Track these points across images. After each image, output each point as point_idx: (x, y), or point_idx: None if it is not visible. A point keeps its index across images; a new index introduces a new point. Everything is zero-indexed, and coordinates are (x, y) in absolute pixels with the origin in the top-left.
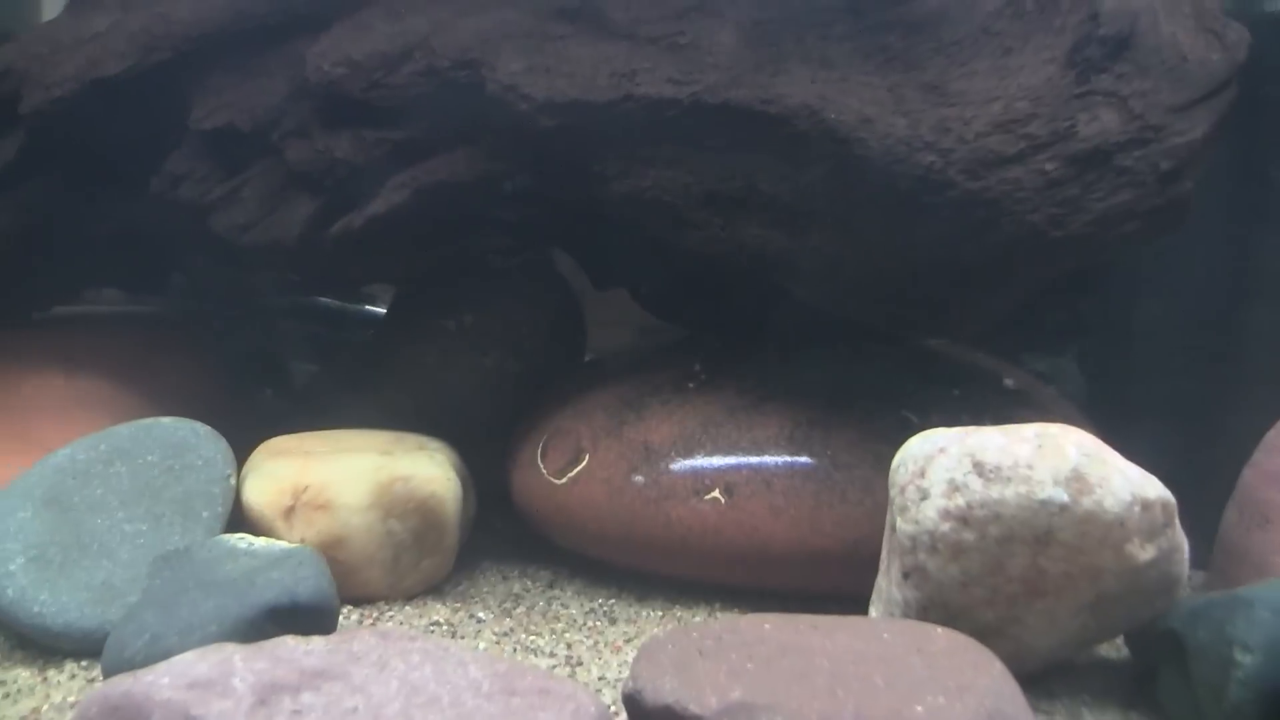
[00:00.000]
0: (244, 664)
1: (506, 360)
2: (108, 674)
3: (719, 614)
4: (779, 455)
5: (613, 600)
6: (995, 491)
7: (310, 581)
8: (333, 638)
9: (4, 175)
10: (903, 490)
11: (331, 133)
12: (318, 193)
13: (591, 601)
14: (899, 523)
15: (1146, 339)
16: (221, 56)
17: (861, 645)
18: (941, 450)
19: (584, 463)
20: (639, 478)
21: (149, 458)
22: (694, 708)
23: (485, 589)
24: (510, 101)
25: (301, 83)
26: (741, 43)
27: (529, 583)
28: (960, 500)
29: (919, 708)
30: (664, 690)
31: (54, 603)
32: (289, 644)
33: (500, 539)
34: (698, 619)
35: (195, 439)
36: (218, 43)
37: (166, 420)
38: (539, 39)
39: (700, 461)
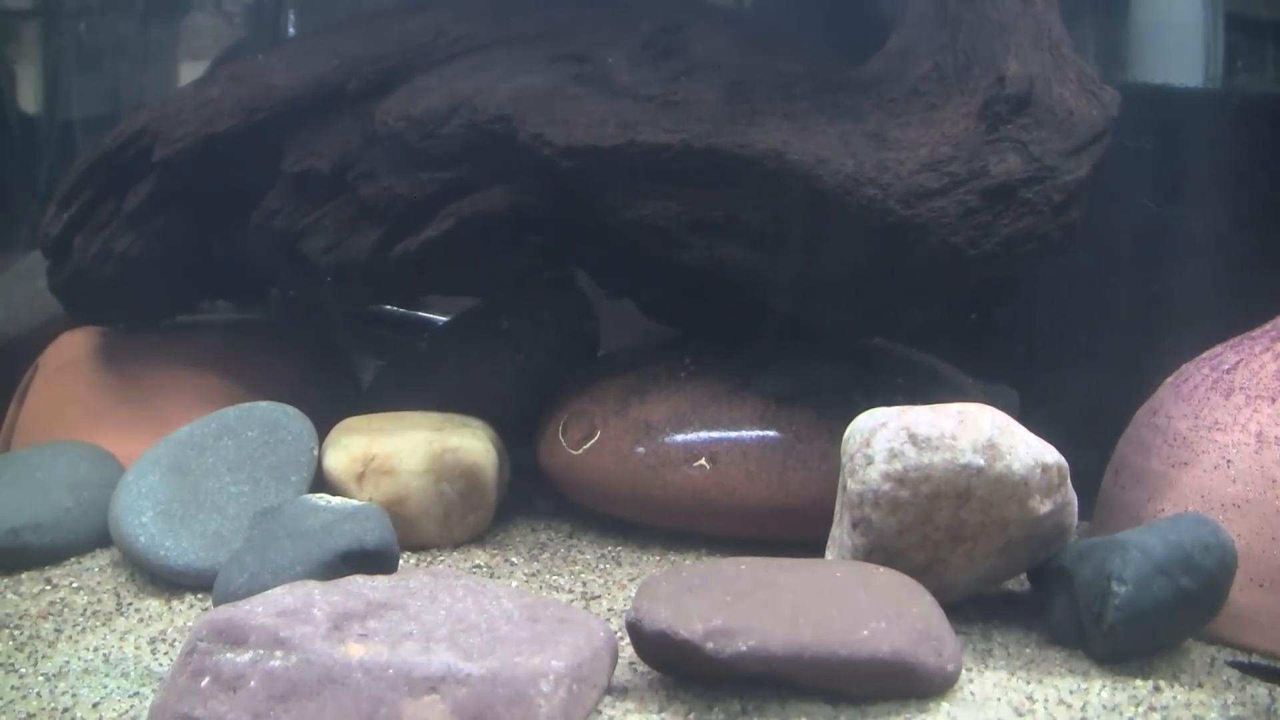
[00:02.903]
0: (321, 597)
1: (536, 356)
2: (216, 604)
3: (705, 558)
4: (753, 431)
5: (620, 548)
6: (926, 458)
7: (376, 532)
8: (394, 577)
9: (141, 212)
10: (852, 457)
11: (394, 174)
12: (383, 222)
13: (603, 549)
14: (849, 483)
15: (1053, 342)
16: (308, 115)
17: (819, 582)
18: (883, 424)
19: (596, 437)
20: (641, 449)
21: (250, 434)
22: (684, 632)
23: (518, 539)
24: (536, 148)
25: (371, 134)
26: (723, 100)
27: (553, 534)
28: (898, 465)
29: (865, 631)
30: (659, 618)
31: (176, 548)
32: (358, 581)
33: (530, 499)
34: (688, 562)
35: (286, 418)
36: (305, 105)
37: (264, 404)
38: (560, 98)
39: (690, 436)
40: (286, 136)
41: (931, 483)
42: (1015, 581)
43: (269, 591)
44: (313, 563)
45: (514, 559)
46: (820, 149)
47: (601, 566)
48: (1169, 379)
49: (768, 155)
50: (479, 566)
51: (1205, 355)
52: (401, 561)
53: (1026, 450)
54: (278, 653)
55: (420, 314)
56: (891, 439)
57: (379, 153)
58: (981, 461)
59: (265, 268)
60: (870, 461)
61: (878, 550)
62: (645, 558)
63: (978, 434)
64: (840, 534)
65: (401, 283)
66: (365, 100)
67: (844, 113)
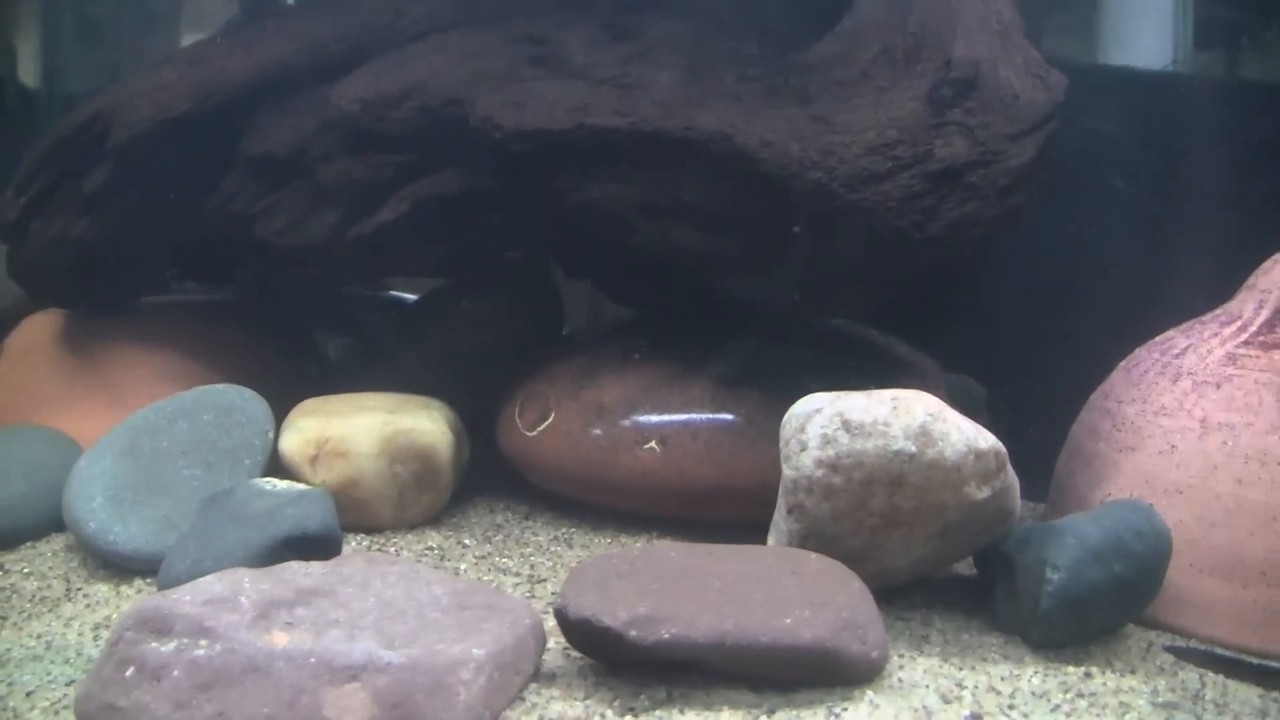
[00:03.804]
0: (251, 584)
1: (497, 337)
2: (161, 589)
3: (656, 540)
4: (703, 413)
5: (573, 529)
6: (859, 444)
7: (317, 517)
8: (330, 562)
9: (97, 196)
10: (787, 443)
11: (350, 157)
12: (339, 205)
13: (557, 530)
14: (785, 469)
15: (1015, 322)
16: (266, 98)
17: (747, 569)
18: (818, 410)
19: (551, 419)
20: (594, 431)
21: (205, 417)
22: (607, 619)
23: (474, 519)
24: (487, 131)
25: (326, 118)
26: (675, 82)
27: (509, 514)
28: (831, 451)
29: (788, 619)
30: (584, 605)
31: (125, 533)
32: (293, 567)
33: (491, 479)
34: (638, 544)
35: (242, 401)
36: (262, 88)
37: (220, 386)
38: (513, 80)
39: (641, 418)
40: (244, 120)
41: (864, 469)
42: (966, 564)
43: (199, 580)
44: (254, 548)
45: (467, 541)
46: (766, 132)
47: (553, 549)
48: (1122, 363)
49: (714, 139)
50: (431, 548)
51: (1157, 339)
52: (354, 544)
53: (960, 436)
54: (202, 642)
55: (389, 293)
56: (826, 425)
57: (334, 136)
58: (914, 448)
59: (228, 249)
60: (804, 448)
61: (812, 536)
62: (596, 540)
63: (910, 420)
64: (779, 519)
65: (358, 265)
66: (323, 83)
67: (793, 95)
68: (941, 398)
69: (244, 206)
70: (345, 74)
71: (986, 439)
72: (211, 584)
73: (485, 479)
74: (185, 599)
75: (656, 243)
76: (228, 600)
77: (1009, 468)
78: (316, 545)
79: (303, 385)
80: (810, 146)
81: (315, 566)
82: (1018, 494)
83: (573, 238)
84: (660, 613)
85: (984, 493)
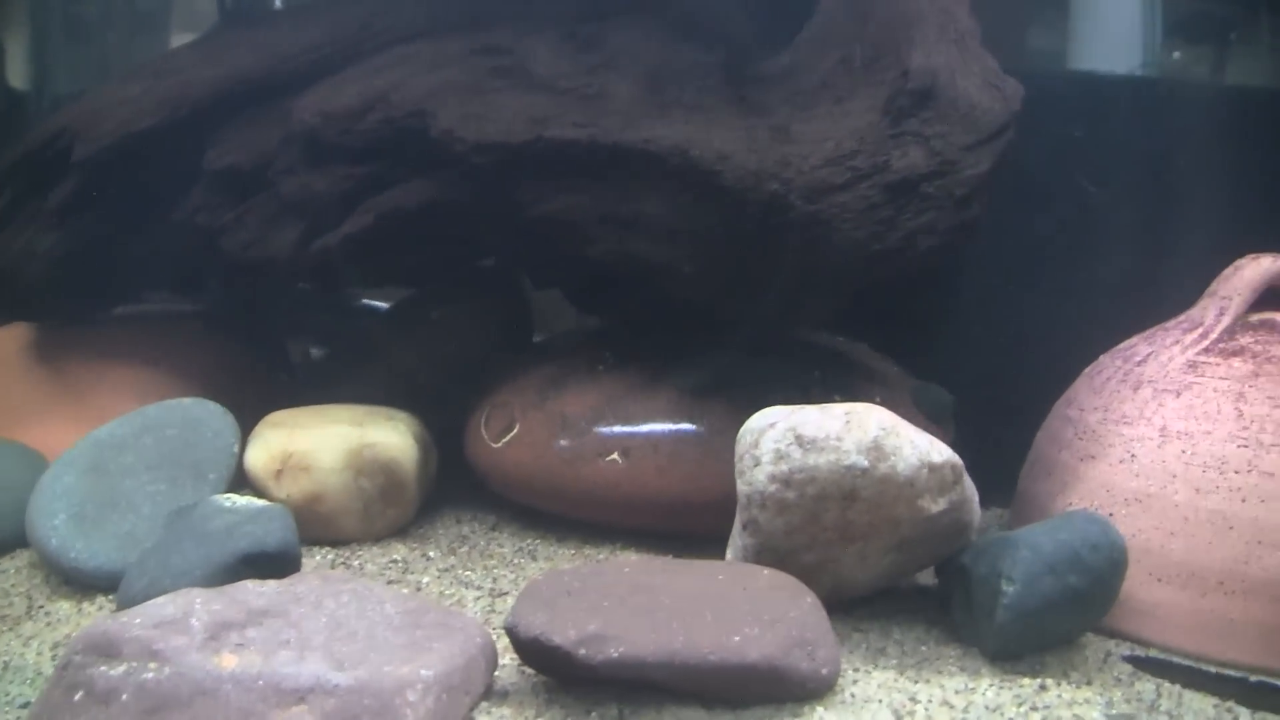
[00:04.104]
0: (202, 605)
1: (465, 346)
2: (120, 608)
3: (620, 552)
4: (666, 424)
5: (538, 541)
6: (811, 459)
7: (277, 534)
8: (285, 581)
9: (63, 211)
10: (742, 458)
11: (313, 170)
12: (303, 217)
13: (522, 541)
14: (739, 484)
15: (982, 329)
16: (231, 111)
17: (699, 585)
18: (772, 425)
19: (515, 430)
20: (557, 443)
21: (170, 431)
22: (556, 638)
23: (441, 531)
24: (449, 144)
25: (289, 131)
26: (637, 92)
27: (476, 525)
28: (784, 466)
29: (736, 637)
30: (534, 624)
31: (87, 549)
32: (247, 587)
33: (460, 489)
34: (602, 555)
35: (208, 415)
36: (228, 101)
37: (186, 400)
38: (475, 92)
39: (604, 430)
40: (209, 132)
41: (817, 484)
42: (929, 574)
43: (151, 601)
44: (212, 566)
45: (432, 553)
46: (724, 144)
47: (517, 561)
48: (1087, 370)
49: (672, 152)
50: (396, 561)
51: (1121, 346)
52: (319, 557)
53: (913, 451)
54: (151, 665)
55: (360, 301)
56: (779, 440)
57: (298, 149)
58: (866, 463)
59: (197, 260)
60: (758, 463)
61: (767, 551)
62: (561, 552)
63: (863, 435)
64: (735, 533)
65: (323, 277)
66: (288, 95)
67: (753, 106)
68: (906, 406)
69: (209, 220)
70: (309, 86)
71: (941, 452)
72: (163, 606)
73: (455, 489)
74: (135, 622)
75: (616, 254)
76: (178, 622)
77: (966, 480)
78: (275, 562)
79: (274, 396)
80: (768, 158)
81: (270, 585)
82: (976, 506)
83: (536, 248)
84: (609, 631)
85: (940, 505)
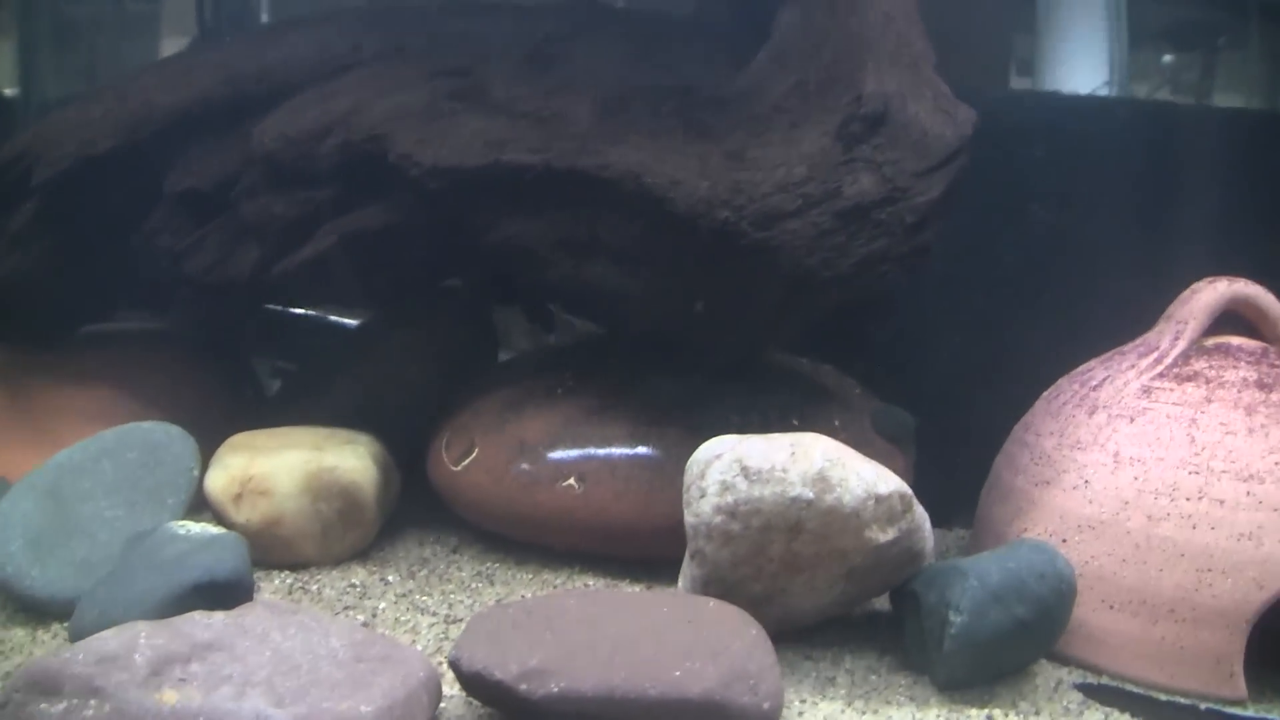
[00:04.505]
0: (146, 640)
1: (428, 368)
2: (73, 639)
3: (577, 576)
4: (623, 449)
5: (497, 565)
6: (756, 491)
7: (229, 563)
8: (234, 612)
9: (23, 234)
10: (689, 488)
11: (273, 193)
12: (264, 240)
13: (481, 565)
14: (686, 515)
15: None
16: (192, 134)
17: (644, 617)
18: (718, 456)
19: (474, 454)
20: (515, 468)
21: (129, 455)
22: (498, 673)
23: (401, 553)
24: (405, 168)
25: (250, 154)
26: (595, 115)
27: (438, 547)
28: (730, 498)
29: (677, 671)
30: (477, 658)
31: (42, 577)
32: (194, 619)
33: (424, 509)
34: (559, 580)
35: (167, 439)
36: (189, 123)
37: (146, 424)
38: (433, 116)
39: (561, 455)
40: (171, 155)
41: (762, 516)
42: (885, 599)
43: (96, 635)
44: (163, 596)
45: (391, 577)
46: (676, 170)
47: (474, 585)
48: (1045, 393)
49: (625, 177)
50: (354, 585)
51: (1079, 369)
52: (278, 581)
53: (859, 482)
54: (92, 702)
55: (330, 318)
56: (724, 471)
57: (258, 172)
58: (811, 494)
59: (160, 280)
60: (704, 494)
61: (714, 581)
62: (519, 576)
63: (808, 466)
64: (685, 563)
65: (284, 299)
66: (248, 118)
67: (706, 131)
68: (866, 429)
69: (171, 242)
70: (270, 108)
71: (888, 483)
72: (106, 641)
73: (419, 509)
74: (78, 658)
75: (571, 279)
76: (120, 657)
77: (916, 508)
78: (226, 592)
79: (240, 416)
80: (720, 185)
81: (217, 617)
82: (927, 533)
83: (494, 272)
84: (551, 665)
85: (888, 535)
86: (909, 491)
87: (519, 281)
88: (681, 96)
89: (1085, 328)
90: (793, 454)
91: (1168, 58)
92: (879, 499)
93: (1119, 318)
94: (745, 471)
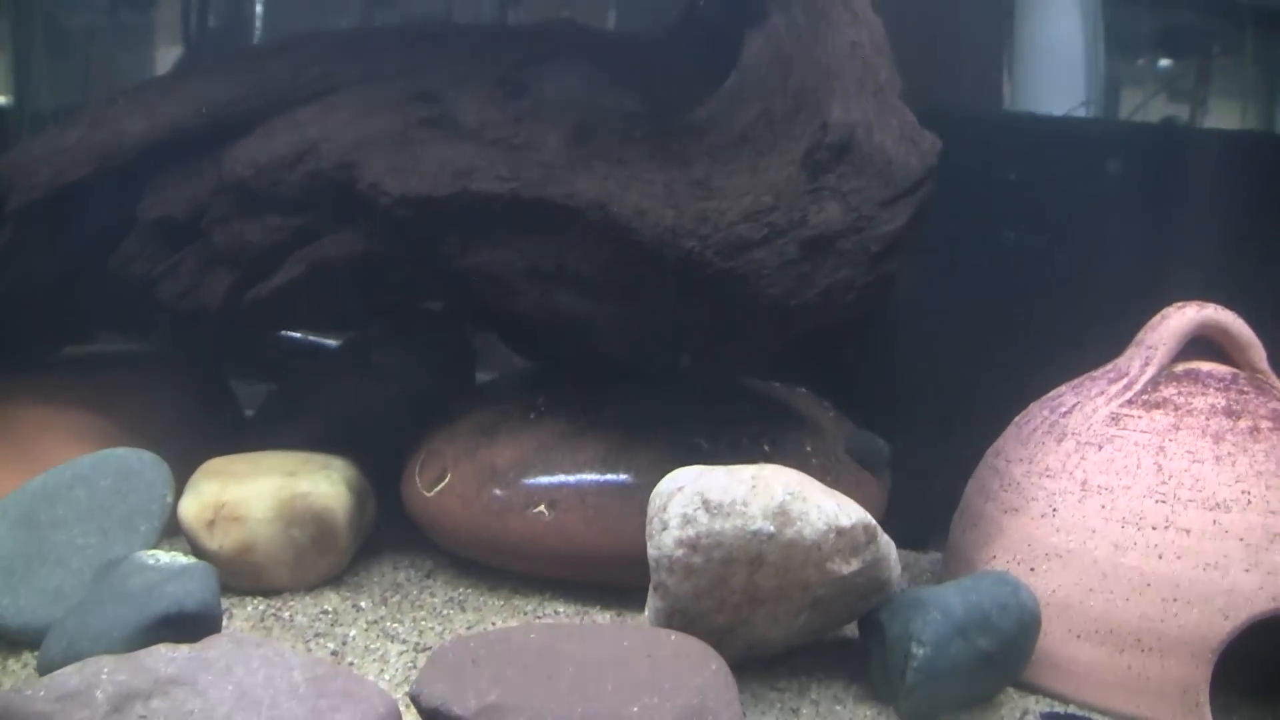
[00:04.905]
0: (109, 675)
1: (406, 391)
2: (41, 672)
3: (548, 603)
4: (593, 475)
5: (469, 590)
6: (718, 524)
7: (196, 595)
8: (199, 645)
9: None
10: (651, 520)
11: (245, 220)
12: (236, 267)
13: (454, 590)
14: (649, 547)
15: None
16: (165, 161)
17: (603, 651)
18: (680, 488)
19: (447, 479)
20: (487, 494)
21: (103, 482)
22: (457, 709)
23: (376, 578)
24: (374, 196)
25: (222, 182)
26: (563, 142)
27: (412, 572)
28: (691, 531)
29: (635, 707)
30: (435, 694)
31: (13, 605)
32: (158, 653)
33: (401, 532)
34: (530, 607)
35: (141, 465)
36: (160, 151)
37: (120, 450)
38: (403, 143)
39: (532, 481)
40: (144, 181)
41: (724, 549)
42: (855, 626)
43: (59, 671)
44: (131, 628)
45: (363, 603)
46: (642, 200)
47: (445, 612)
48: (1016, 418)
49: (591, 207)
50: (327, 611)
51: (1050, 395)
52: (250, 608)
53: (819, 515)
54: None
55: (310, 339)
56: (686, 504)
57: (230, 199)
58: (772, 528)
59: (137, 305)
60: (666, 527)
61: (677, 613)
62: (490, 603)
63: (769, 500)
64: (649, 594)
65: (257, 324)
66: (221, 144)
67: (674, 159)
68: (839, 455)
69: (145, 269)
70: (243, 134)
71: (850, 515)
72: (69, 677)
73: (396, 531)
74: (39, 695)
75: (541, 307)
76: (82, 694)
77: (881, 538)
78: (194, 623)
79: (218, 439)
80: (685, 214)
81: (181, 651)
82: (893, 562)
83: (466, 298)
84: (509, 701)
85: (852, 566)
86: (873, 522)
87: (491, 308)
88: (650, 123)
89: (1063, 350)
90: (754, 487)
91: (1164, 62)
92: (840, 531)
93: (1096, 340)
94: (706, 505)
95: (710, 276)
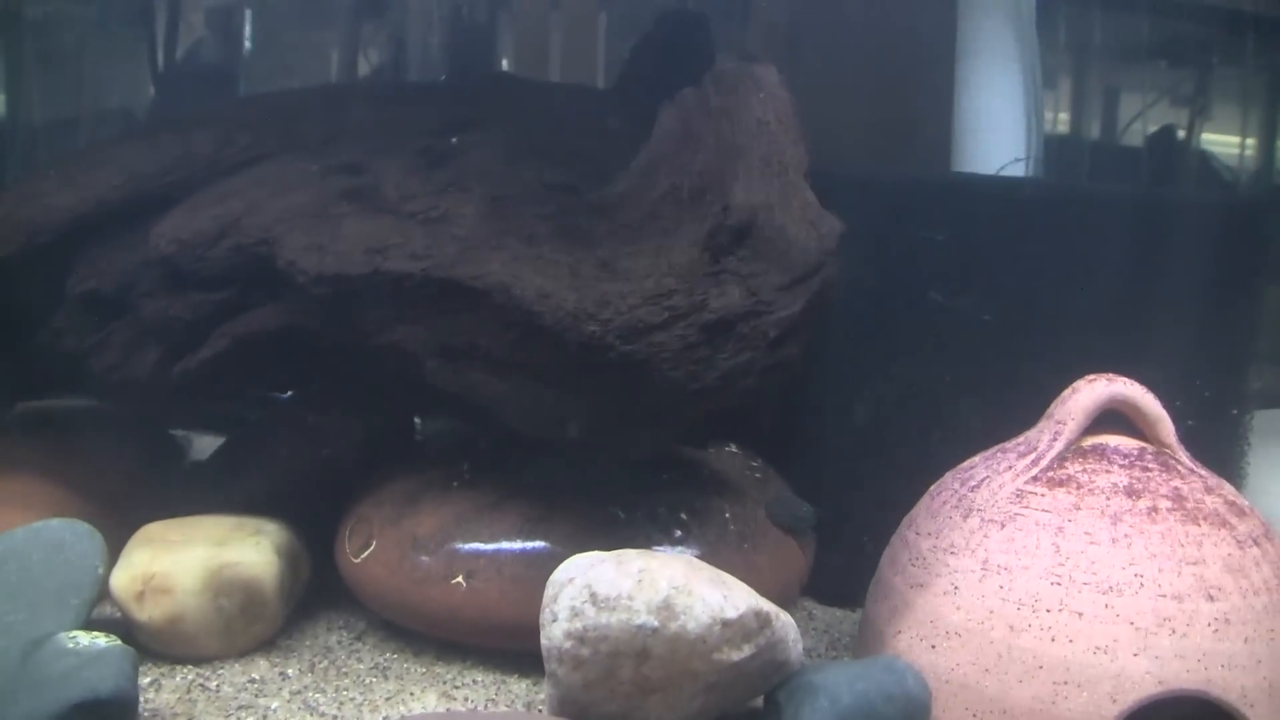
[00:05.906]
0: None
1: (340, 452)
2: None
3: (468, 672)
4: (511, 544)
5: (395, 656)
6: (604, 618)
7: (111, 680)
8: None
9: None
10: (544, 610)
11: (171, 295)
12: (164, 341)
13: (380, 656)
14: (541, 637)
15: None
16: (92, 234)
17: None
18: (570, 580)
19: (373, 547)
20: (411, 561)
21: (35, 556)
22: None
23: (307, 642)
24: (292, 275)
25: (148, 256)
26: (479, 217)
27: (344, 634)
28: (579, 624)
29: None
30: None
31: None
32: None
33: (339, 592)
34: (450, 674)
35: (73, 538)
36: (88, 224)
37: (55, 522)
38: (322, 218)
39: (451, 549)
40: (73, 255)
41: (610, 642)
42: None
43: None
44: (46, 716)
45: (291, 670)
46: (546, 281)
47: (368, 680)
48: (931, 488)
49: (496, 289)
50: (254, 680)
51: (963, 465)
52: (179, 677)
53: (704, 609)
54: None
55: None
56: (574, 597)
57: (156, 274)
58: (655, 623)
59: (66, 376)
60: (555, 618)
61: (569, 702)
62: (413, 671)
63: (654, 595)
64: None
65: (185, 398)
66: (148, 217)
67: (581, 238)
68: (760, 520)
69: (75, 344)
70: (170, 205)
71: (738, 605)
72: None
73: (334, 590)
74: None
75: (453, 383)
76: None
77: (776, 621)
78: (108, 711)
79: (164, 499)
80: (588, 297)
81: None
82: (791, 643)
83: (385, 373)
84: None
85: (744, 652)
86: (766, 608)
87: (408, 383)
88: (564, 197)
89: (994, 412)
90: (639, 581)
91: (1163, 64)
92: (726, 623)
93: (1026, 405)
94: (594, 598)
95: (612, 360)
